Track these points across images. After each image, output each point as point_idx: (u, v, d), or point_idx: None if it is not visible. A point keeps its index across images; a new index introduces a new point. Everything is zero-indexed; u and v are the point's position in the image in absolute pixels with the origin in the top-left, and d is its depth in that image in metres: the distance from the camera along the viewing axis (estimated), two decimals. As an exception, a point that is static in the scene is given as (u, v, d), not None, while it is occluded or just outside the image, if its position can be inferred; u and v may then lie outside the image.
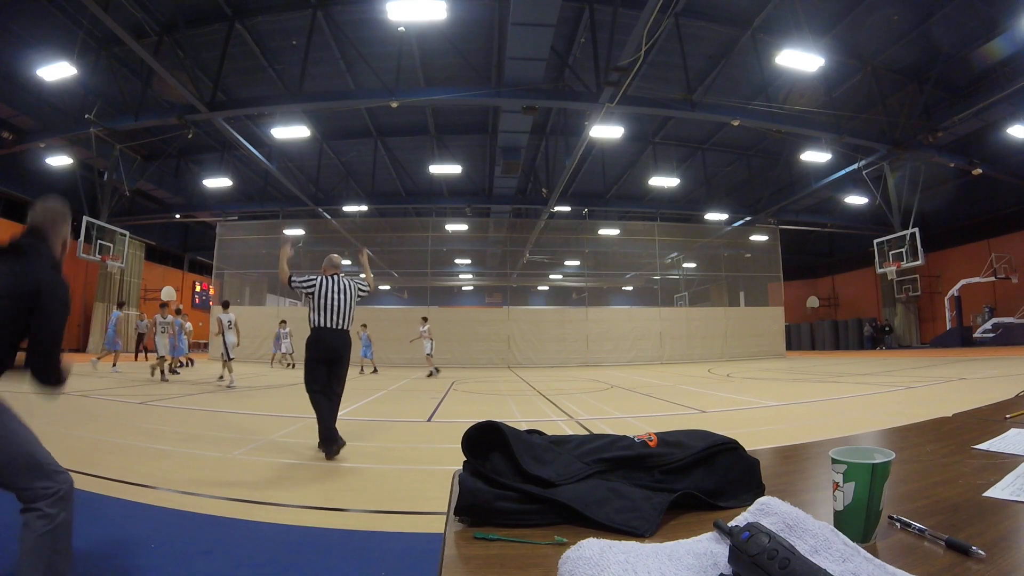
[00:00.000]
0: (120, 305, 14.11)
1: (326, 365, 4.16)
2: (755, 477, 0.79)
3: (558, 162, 18.46)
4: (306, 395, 4.12)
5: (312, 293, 4.18)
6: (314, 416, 4.00)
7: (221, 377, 10.14)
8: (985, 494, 0.75)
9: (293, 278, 4.22)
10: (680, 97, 14.27)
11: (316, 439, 4.00)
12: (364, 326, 14.33)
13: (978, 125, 17.34)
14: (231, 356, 9.85)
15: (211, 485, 3.10)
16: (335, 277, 4.31)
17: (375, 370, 14.75)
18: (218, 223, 22.17)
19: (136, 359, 17.35)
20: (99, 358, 12.71)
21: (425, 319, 14.41)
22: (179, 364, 12.86)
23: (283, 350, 16.01)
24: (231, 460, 3.84)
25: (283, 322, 16.44)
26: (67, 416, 5.62)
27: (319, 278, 4.25)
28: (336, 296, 4.22)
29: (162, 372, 10.61)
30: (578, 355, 19.85)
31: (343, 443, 3.93)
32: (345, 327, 4.25)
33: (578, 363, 19.49)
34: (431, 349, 13.76)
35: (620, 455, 0.79)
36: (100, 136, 15.55)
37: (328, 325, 4.15)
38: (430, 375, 13.24)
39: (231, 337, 9.98)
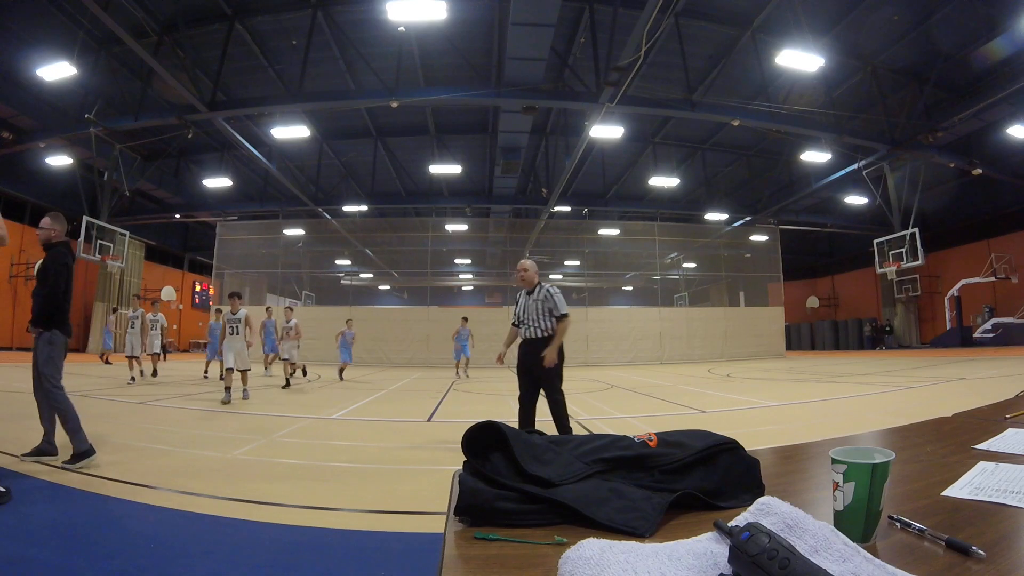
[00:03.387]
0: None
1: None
2: (755, 477, 0.79)
3: (558, 162, 18.45)
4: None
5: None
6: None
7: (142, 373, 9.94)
8: (944, 493, 0.75)
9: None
10: (680, 97, 14.28)
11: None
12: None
13: (978, 125, 17.33)
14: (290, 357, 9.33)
15: (211, 485, 3.10)
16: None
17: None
18: (218, 223, 22.18)
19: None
20: (104, 357, 12.68)
21: (290, 308, 12.05)
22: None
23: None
24: (231, 460, 3.84)
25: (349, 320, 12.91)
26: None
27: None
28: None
29: (227, 388, 7.29)
30: (578, 355, 19.82)
31: None
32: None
33: (578, 363, 19.46)
34: (293, 354, 10.60)
35: (620, 455, 0.79)
36: (100, 136, 15.54)
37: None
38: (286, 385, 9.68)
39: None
